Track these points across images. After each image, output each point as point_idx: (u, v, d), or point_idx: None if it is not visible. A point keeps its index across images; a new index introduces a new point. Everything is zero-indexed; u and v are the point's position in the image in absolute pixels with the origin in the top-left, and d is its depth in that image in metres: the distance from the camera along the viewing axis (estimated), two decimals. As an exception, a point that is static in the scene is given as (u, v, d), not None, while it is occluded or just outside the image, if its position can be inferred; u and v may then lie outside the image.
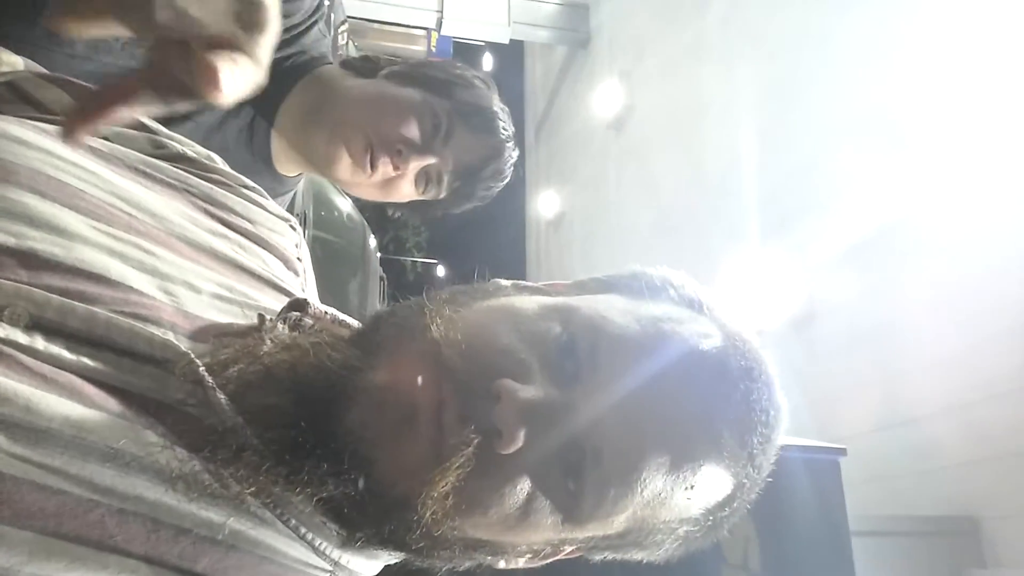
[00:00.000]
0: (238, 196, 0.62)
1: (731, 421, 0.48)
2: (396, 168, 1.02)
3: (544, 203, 7.75)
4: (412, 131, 1.02)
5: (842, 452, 1.64)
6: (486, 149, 1.08)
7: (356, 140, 1.00)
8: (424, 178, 1.06)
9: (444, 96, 1.06)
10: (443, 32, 6.44)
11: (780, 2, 3.54)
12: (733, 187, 3.66)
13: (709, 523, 0.51)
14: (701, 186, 4.18)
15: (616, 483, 0.45)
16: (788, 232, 3.10)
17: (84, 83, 0.60)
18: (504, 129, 1.10)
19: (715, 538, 0.54)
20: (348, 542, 0.47)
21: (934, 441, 2.33)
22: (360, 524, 0.45)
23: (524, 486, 0.44)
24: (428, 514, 0.43)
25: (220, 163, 0.64)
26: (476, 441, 0.42)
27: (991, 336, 2.16)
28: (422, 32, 8.23)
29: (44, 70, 0.60)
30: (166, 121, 1.06)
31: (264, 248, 0.60)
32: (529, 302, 0.51)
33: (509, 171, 1.14)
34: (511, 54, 8.68)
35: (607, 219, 6.08)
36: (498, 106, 1.10)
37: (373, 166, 1.01)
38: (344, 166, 1.02)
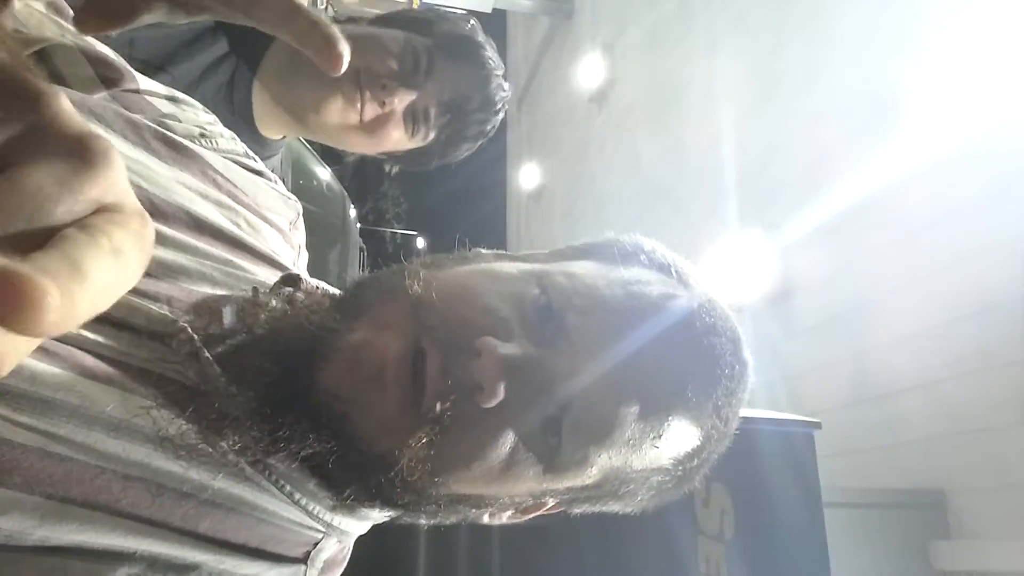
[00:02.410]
0: (245, 170, 0.62)
1: (695, 375, 0.50)
2: (381, 104, 1.01)
3: (525, 175, 7.72)
4: (394, 65, 1.02)
5: (817, 426, 1.68)
6: (470, 80, 1.07)
7: (347, 78, 1.00)
8: (412, 118, 1.05)
9: (424, 33, 1.06)
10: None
11: (765, -22, 3.53)
12: (713, 163, 3.67)
13: (679, 473, 0.54)
14: (681, 161, 4.20)
15: (590, 434, 0.48)
16: (766, 209, 3.13)
17: (112, 59, 0.59)
18: (490, 59, 1.09)
19: (687, 489, 0.57)
20: (338, 502, 0.49)
21: (904, 417, 2.38)
22: (346, 481, 0.47)
23: (506, 439, 0.46)
24: (408, 469, 0.44)
25: (233, 140, 0.65)
26: (454, 397, 0.44)
27: (962, 316, 2.21)
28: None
29: (78, 38, 0.58)
30: (143, 69, 1.04)
31: (265, 223, 0.61)
32: (509, 267, 0.53)
33: (500, 104, 1.12)
34: (493, 24, 8.58)
35: (588, 192, 6.08)
36: (482, 38, 1.09)
37: (361, 104, 1.01)
38: (334, 108, 1.02)
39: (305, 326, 0.46)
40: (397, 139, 1.06)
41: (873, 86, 2.65)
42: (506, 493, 0.50)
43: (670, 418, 0.49)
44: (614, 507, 0.56)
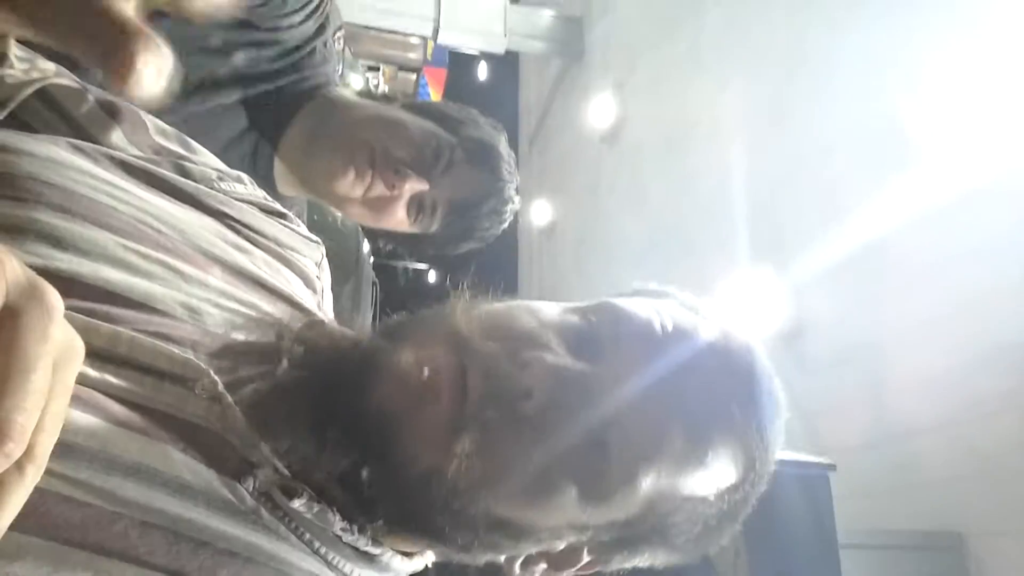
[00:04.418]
0: (266, 215, 0.63)
1: (738, 392, 0.51)
2: (391, 187, 1.03)
3: (537, 212, 7.77)
4: (412, 153, 1.03)
5: (832, 468, 1.66)
6: (485, 187, 1.09)
7: (361, 154, 1.01)
8: (417, 206, 1.06)
9: (451, 131, 1.07)
10: (439, 41, 6.46)
11: (775, 20, 3.58)
12: (723, 201, 3.68)
13: (724, 507, 0.52)
14: (692, 199, 4.21)
15: (639, 450, 0.47)
16: (778, 247, 3.13)
17: (113, 98, 0.61)
18: (507, 172, 1.11)
19: (730, 529, 0.55)
20: (364, 532, 0.48)
21: (922, 457, 2.35)
22: (382, 502, 0.46)
23: (549, 453, 0.46)
24: (453, 480, 0.44)
25: (250, 184, 0.65)
26: (499, 404, 0.44)
27: (980, 355, 2.19)
28: (418, 41, 8.24)
29: (75, 78, 0.61)
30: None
31: (287, 267, 0.62)
32: (547, 303, 0.54)
33: (508, 215, 1.14)
34: (507, 65, 8.71)
35: (598, 229, 6.10)
36: (504, 150, 1.11)
37: (370, 181, 1.02)
38: (345, 180, 1.03)
39: (349, 350, 0.47)
40: (399, 220, 1.08)
41: (884, 124, 2.67)
42: (544, 521, 0.49)
43: (716, 439, 0.49)
44: (657, 550, 0.54)
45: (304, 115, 1.05)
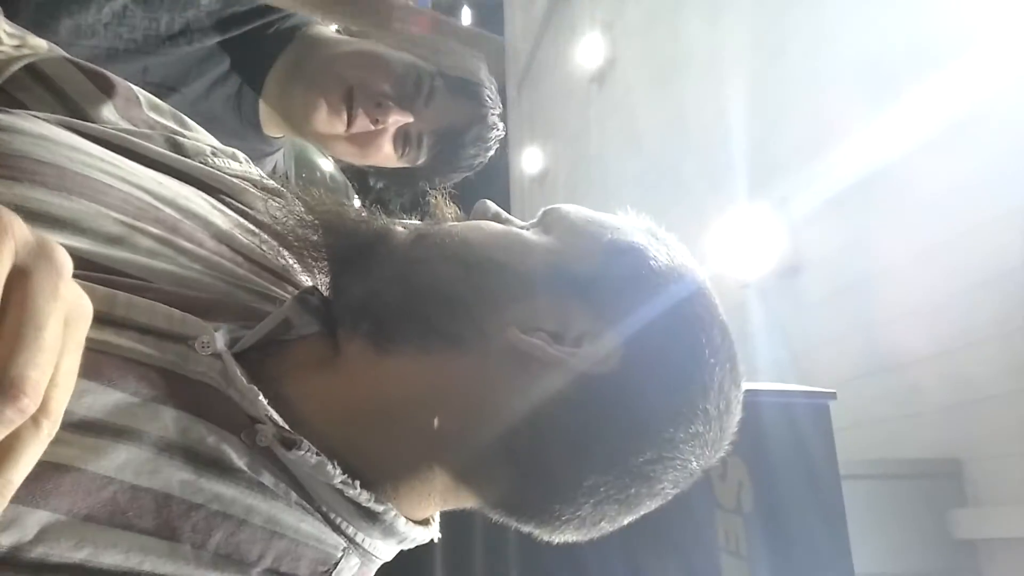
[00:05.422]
0: (261, 192, 0.64)
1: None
2: (374, 121, 1.03)
3: (527, 159, 7.70)
4: (394, 86, 1.03)
5: (832, 396, 1.67)
6: (468, 115, 1.10)
7: (335, 90, 1.02)
8: (403, 139, 1.07)
9: (431, 61, 1.07)
10: (421, -16, 6.30)
11: (765, -51, 3.49)
12: (717, 139, 3.64)
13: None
14: (685, 139, 4.17)
15: None
16: (773, 183, 3.11)
17: (107, 72, 0.61)
18: (489, 98, 1.11)
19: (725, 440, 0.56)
20: (368, 480, 0.48)
21: (917, 387, 2.38)
22: (372, 291, 0.53)
23: None
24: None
25: (245, 162, 0.66)
26: None
27: (971, 285, 2.19)
28: (400, -15, 8.02)
29: (65, 53, 0.60)
30: (157, 92, 1.07)
31: (280, 242, 0.62)
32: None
33: (493, 142, 1.15)
34: (491, 6, 8.52)
35: (591, 173, 6.05)
36: (485, 76, 1.12)
37: (351, 117, 1.02)
38: (321, 118, 1.03)
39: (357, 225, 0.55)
40: (386, 155, 1.08)
41: (879, 55, 2.62)
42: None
43: None
44: None
45: (285, 56, 1.05)
